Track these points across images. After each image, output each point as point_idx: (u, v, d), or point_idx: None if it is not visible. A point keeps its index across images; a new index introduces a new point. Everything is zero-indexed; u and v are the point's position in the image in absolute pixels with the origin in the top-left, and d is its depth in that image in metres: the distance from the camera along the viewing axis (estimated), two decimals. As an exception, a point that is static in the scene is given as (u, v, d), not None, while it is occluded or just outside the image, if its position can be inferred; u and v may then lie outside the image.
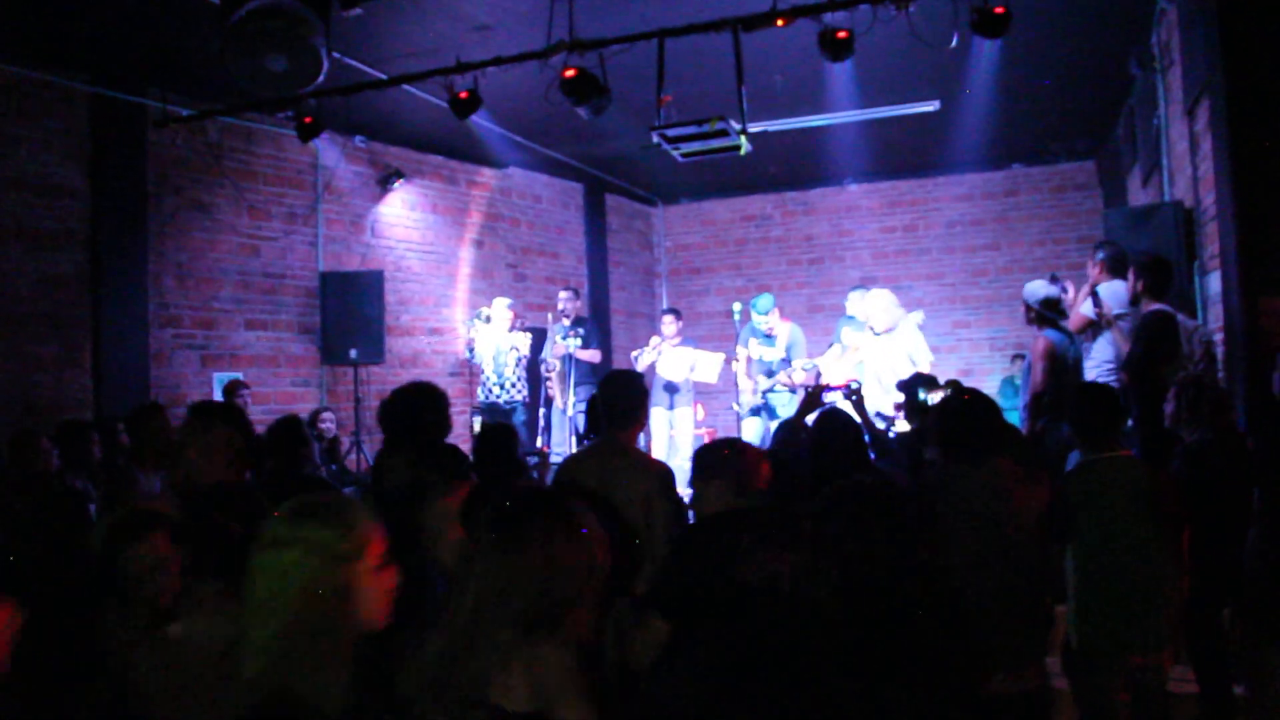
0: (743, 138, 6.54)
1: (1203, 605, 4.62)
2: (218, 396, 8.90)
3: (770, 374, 9.61)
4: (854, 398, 4.88)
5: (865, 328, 8.96)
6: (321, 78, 6.95)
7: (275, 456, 7.19)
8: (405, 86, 8.15)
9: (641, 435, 4.76)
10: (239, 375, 9.18)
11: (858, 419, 4.61)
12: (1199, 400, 5.19)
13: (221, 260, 9.35)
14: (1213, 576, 4.67)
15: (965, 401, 4.09)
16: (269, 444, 7.31)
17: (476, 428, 8.96)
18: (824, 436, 4.15)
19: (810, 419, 4.61)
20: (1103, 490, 4.14)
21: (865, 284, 10.41)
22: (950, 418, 4.06)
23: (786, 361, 9.59)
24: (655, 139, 6.71)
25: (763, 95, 8.75)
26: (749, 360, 9.89)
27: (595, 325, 10.82)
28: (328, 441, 9.49)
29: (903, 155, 12.50)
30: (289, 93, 7.36)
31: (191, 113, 8.44)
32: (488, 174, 12.21)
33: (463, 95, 7.28)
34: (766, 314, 9.61)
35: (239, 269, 9.49)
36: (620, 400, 4.37)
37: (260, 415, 8.28)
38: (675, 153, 6.97)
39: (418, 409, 5.05)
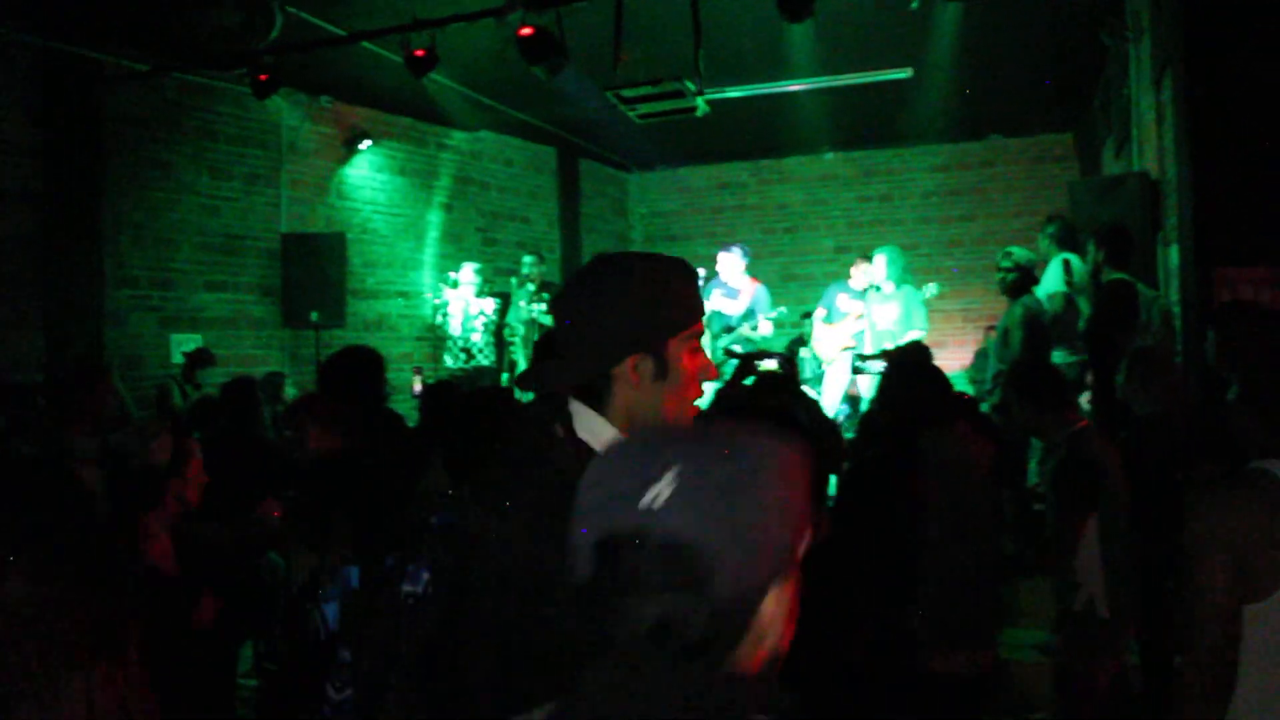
0: (699, 99, 6.43)
1: (1147, 576, 4.58)
2: (175, 359, 8.80)
3: (730, 330, 9.50)
4: (786, 368, 4.80)
5: (868, 293, 9.02)
6: (275, 32, 6.83)
7: (227, 417, 7.12)
8: (368, 45, 8.01)
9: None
10: (198, 338, 9.07)
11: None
12: (1150, 372, 5.13)
13: (181, 220, 9.20)
14: (1158, 549, 4.62)
15: (911, 372, 4.03)
16: (220, 405, 7.23)
17: (417, 386, 8.87)
18: (758, 404, 4.05)
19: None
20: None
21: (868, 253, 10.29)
22: (896, 388, 4.01)
23: (751, 316, 9.45)
24: (611, 99, 6.59)
25: (730, 60, 8.63)
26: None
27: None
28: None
29: (878, 124, 12.36)
30: (243, 48, 7.24)
31: (146, 69, 8.27)
32: (458, 137, 12.06)
33: (419, 54, 7.15)
34: (746, 260, 9.51)
35: (199, 229, 9.34)
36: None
37: (221, 378, 8.19)
38: (632, 114, 6.87)
39: (353, 375, 4.95)
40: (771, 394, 4.02)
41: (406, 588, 2.54)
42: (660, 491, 1.00)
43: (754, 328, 9.24)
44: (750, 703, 1.01)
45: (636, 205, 15.07)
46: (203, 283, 9.38)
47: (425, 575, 2.53)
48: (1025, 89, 10.87)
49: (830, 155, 13.86)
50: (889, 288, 8.84)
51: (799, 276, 13.49)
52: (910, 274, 9.13)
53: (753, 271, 9.81)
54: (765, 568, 1.03)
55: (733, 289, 9.62)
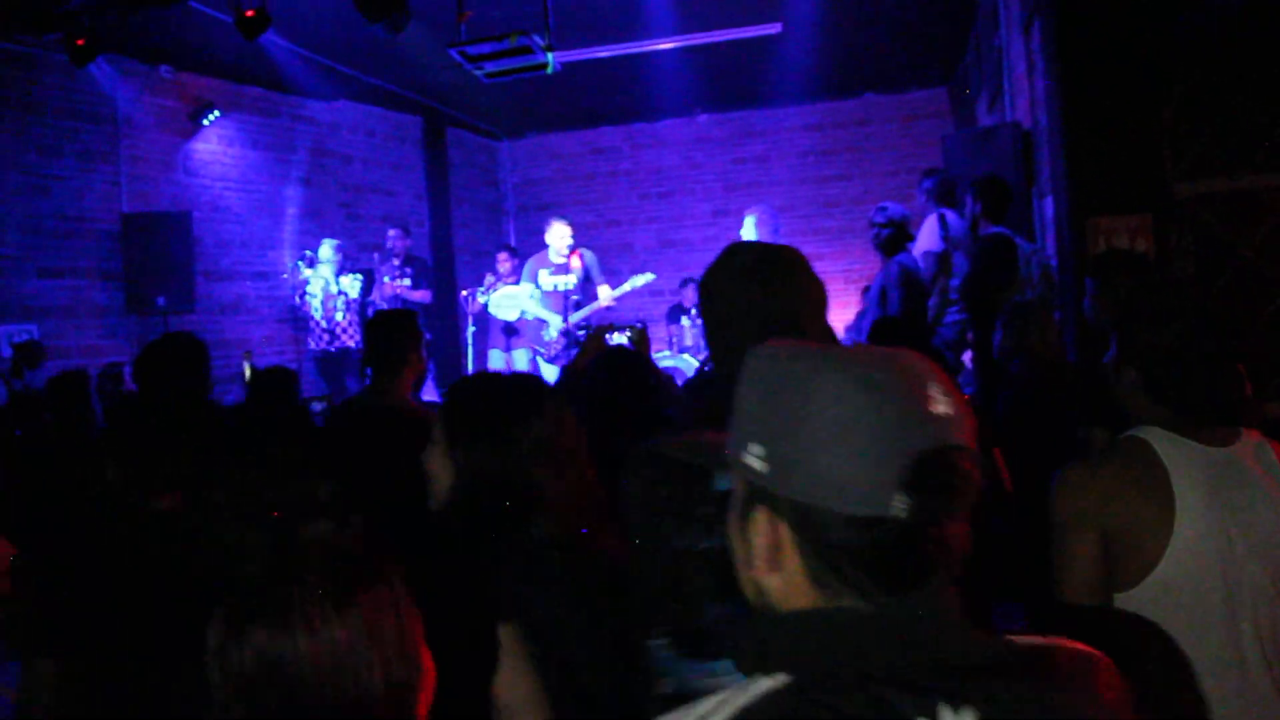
0: (549, 54, 6.04)
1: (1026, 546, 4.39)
2: (5, 352, 8.14)
3: (578, 306, 9.07)
4: (638, 341, 4.47)
5: None
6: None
7: (54, 412, 6.57)
8: (199, 6, 7.45)
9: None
10: (31, 328, 8.41)
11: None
12: (1027, 327, 4.96)
13: (5, 201, 8.49)
14: (1039, 508, 4.43)
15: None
16: (46, 400, 6.67)
17: (247, 374, 8.37)
18: (610, 381, 3.71)
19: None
20: None
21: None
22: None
23: (584, 287, 9.05)
24: (455, 57, 6.16)
25: (590, 18, 8.28)
26: (544, 294, 9.17)
27: (425, 265, 10.27)
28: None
29: (751, 84, 12.09)
30: (54, 7, 6.62)
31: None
32: (314, 107, 11.43)
33: (249, 14, 6.63)
34: (569, 226, 9.10)
35: (27, 211, 8.63)
36: (380, 343, 3.93)
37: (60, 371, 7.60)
38: (479, 73, 6.45)
39: (169, 368, 4.46)
40: (620, 371, 3.68)
41: None
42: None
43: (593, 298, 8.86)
44: None
45: (508, 174, 14.60)
46: (35, 269, 8.68)
47: None
48: (897, 44, 10.72)
49: (704, 117, 13.56)
50: None
51: (676, 242, 13.21)
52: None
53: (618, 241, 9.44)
54: None
55: (564, 266, 9.14)
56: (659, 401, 3.80)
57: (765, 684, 1.00)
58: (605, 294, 8.91)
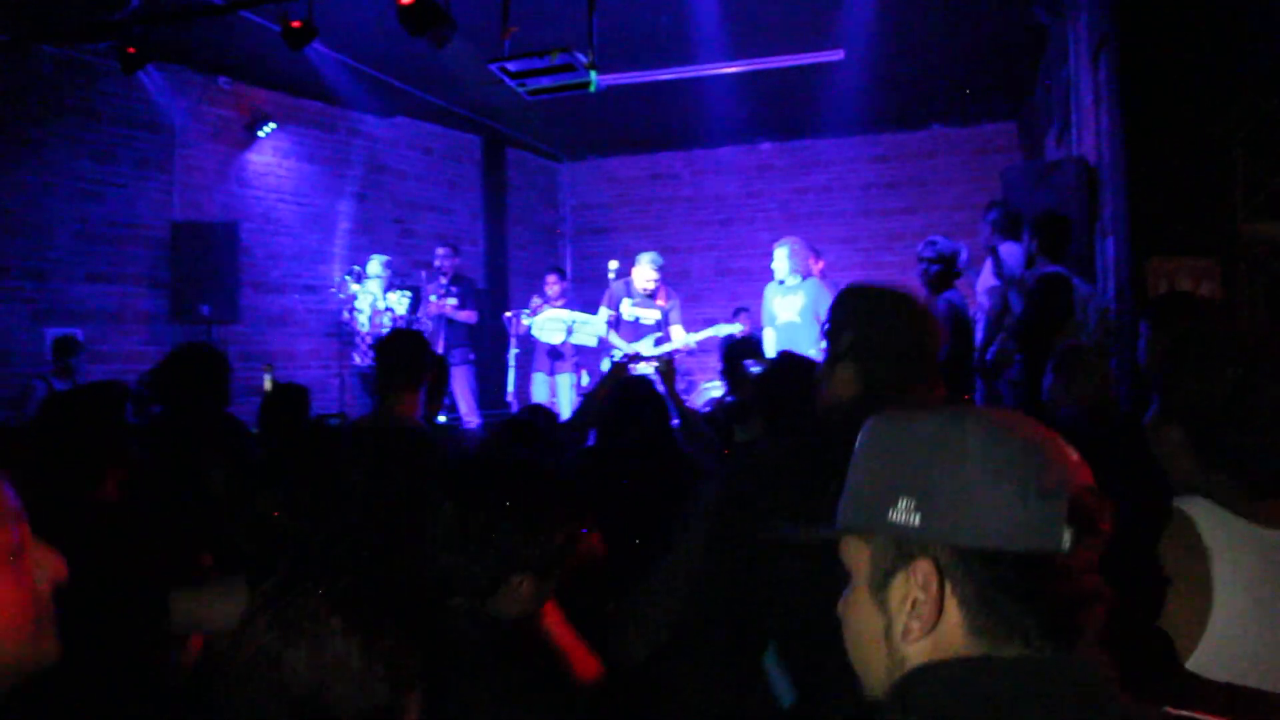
0: (592, 73, 5.88)
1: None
2: (48, 355, 8.15)
3: (658, 344, 8.55)
4: (662, 371, 4.29)
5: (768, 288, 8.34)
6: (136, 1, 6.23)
7: (84, 420, 6.50)
8: (253, 18, 7.42)
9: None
10: (76, 333, 8.41)
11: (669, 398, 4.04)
12: (1076, 373, 4.68)
13: (58, 206, 8.52)
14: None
15: (789, 367, 3.48)
16: (78, 407, 6.61)
17: (267, 386, 8.26)
18: (620, 410, 3.54)
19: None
20: None
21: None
22: (772, 385, 3.46)
23: (662, 326, 8.73)
24: (496, 73, 6.03)
25: (648, 41, 8.14)
26: (621, 322, 8.81)
27: (473, 284, 10.14)
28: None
29: (816, 113, 11.82)
30: (105, 16, 6.62)
31: (5, 39, 7.60)
32: (372, 122, 11.41)
33: (295, 25, 6.56)
34: (657, 268, 8.69)
35: (79, 216, 8.66)
36: (390, 360, 3.79)
37: (105, 376, 7.58)
38: (521, 90, 6.31)
39: (190, 377, 4.37)
40: (634, 403, 3.50)
41: None
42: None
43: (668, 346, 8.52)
44: None
45: (567, 197, 14.47)
46: (83, 273, 8.70)
47: None
48: (964, 75, 10.43)
49: (766, 145, 13.34)
50: (793, 281, 8.10)
51: (734, 270, 12.96)
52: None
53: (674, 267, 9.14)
54: None
55: (650, 297, 8.75)
56: (667, 432, 3.62)
57: None
58: (680, 335, 8.58)
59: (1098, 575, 1.01)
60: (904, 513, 1.02)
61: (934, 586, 1.02)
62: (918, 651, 1.03)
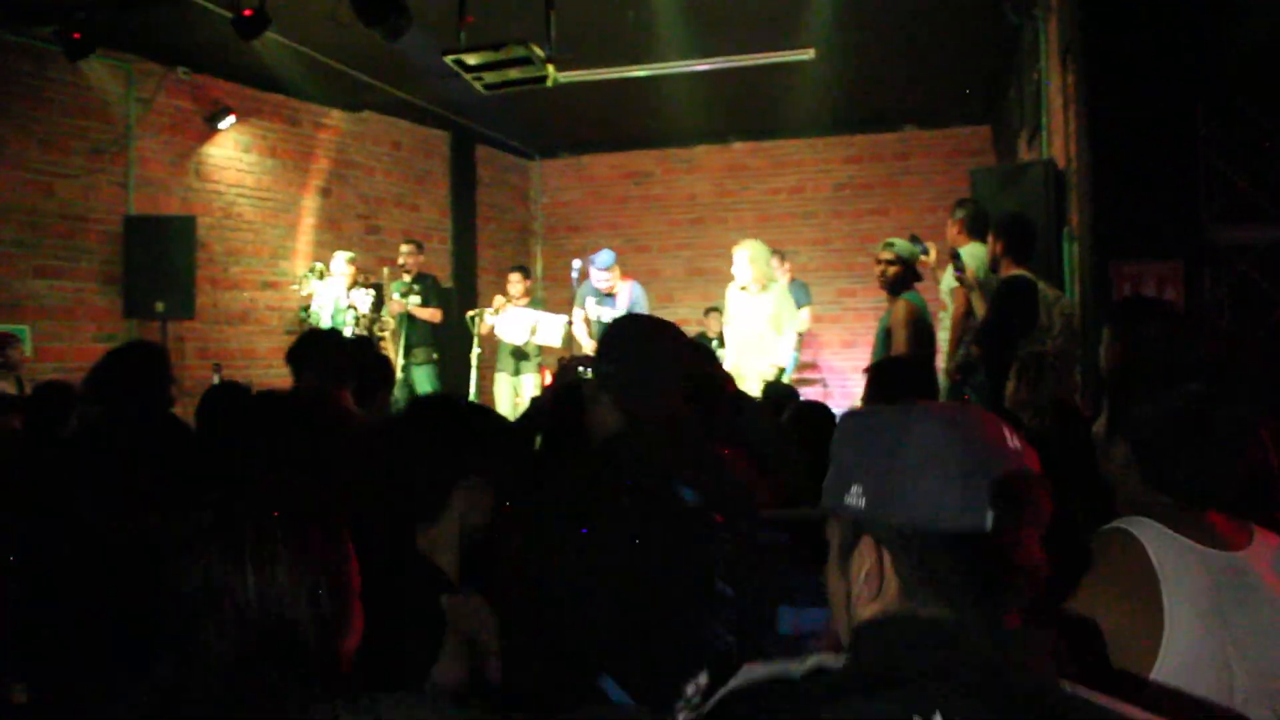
0: (550, 68, 5.71)
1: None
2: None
3: None
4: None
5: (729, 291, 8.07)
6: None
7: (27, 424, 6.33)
8: (209, 5, 7.23)
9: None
10: (24, 330, 8.18)
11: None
12: (1040, 379, 4.57)
13: (3, 198, 8.29)
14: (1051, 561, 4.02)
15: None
16: (27, 409, 6.41)
17: (216, 379, 8.08)
18: (557, 415, 3.40)
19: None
20: None
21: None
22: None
23: None
24: (452, 65, 5.86)
25: (617, 36, 7.99)
26: (587, 323, 8.67)
27: (436, 282, 9.95)
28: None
29: (789, 113, 11.68)
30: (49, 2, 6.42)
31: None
32: (337, 116, 11.21)
33: (246, 13, 6.38)
34: (607, 269, 8.44)
35: (27, 208, 8.43)
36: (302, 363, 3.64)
37: (55, 374, 7.34)
38: (478, 84, 6.13)
39: (130, 377, 4.17)
40: (571, 407, 3.35)
41: None
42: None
43: None
44: None
45: (539, 194, 14.30)
46: (31, 268, 8.47)
47: None
48: (936, 76, 10.32)
49: (739, 145, 13.20)
50: (754, 289, 7.82)
51: (705, 271, 12.80)
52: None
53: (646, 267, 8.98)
54: None
55: (610, 297, 8.54)
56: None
57: (827, 660, 1.14)
58: None
59: (1033, 552, 1.14)
60: (855, 497, 1.19)
61: (875, 560, 1.17)
62: (869, 613, 1.18)
